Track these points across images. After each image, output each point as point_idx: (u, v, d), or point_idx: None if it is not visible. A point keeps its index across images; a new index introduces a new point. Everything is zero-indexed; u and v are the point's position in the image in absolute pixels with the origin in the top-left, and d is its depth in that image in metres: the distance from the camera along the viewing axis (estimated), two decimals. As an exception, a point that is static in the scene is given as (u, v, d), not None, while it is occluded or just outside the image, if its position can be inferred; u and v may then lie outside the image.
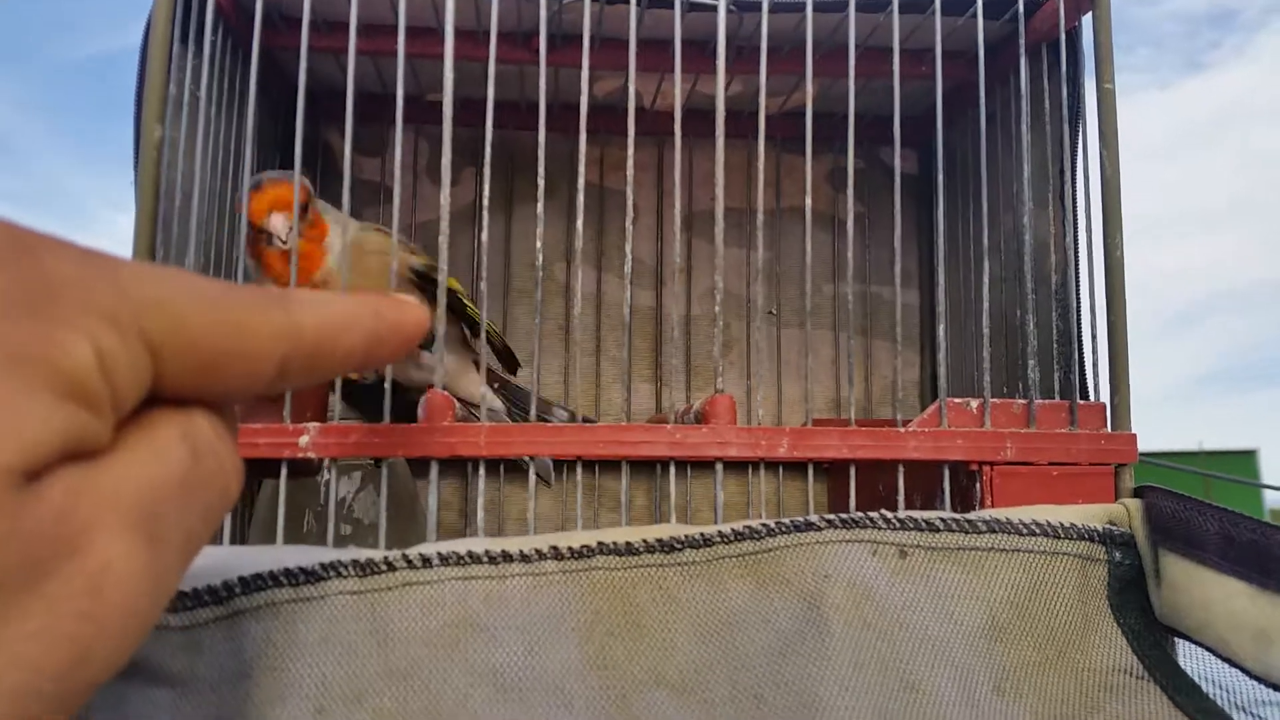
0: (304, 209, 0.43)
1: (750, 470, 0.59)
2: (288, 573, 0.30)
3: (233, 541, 0.46)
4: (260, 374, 0.21)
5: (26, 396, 0.15)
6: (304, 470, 0.36)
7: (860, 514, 0.33)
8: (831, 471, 0.57)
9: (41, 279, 0.16)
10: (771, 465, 0.59)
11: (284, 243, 0.42)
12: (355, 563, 0.30)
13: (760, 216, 0.38)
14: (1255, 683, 0.30)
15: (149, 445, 0.18)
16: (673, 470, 0.37)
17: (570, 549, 0.31)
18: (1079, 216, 0.39)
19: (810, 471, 0.37)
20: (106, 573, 0.16)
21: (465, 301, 0.48)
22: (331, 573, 0.30)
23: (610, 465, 0.59)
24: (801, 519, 0.33)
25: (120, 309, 0.17)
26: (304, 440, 0.34)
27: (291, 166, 0.39)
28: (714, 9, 0.39)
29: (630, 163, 0.37)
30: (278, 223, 0.42)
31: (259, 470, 0.35)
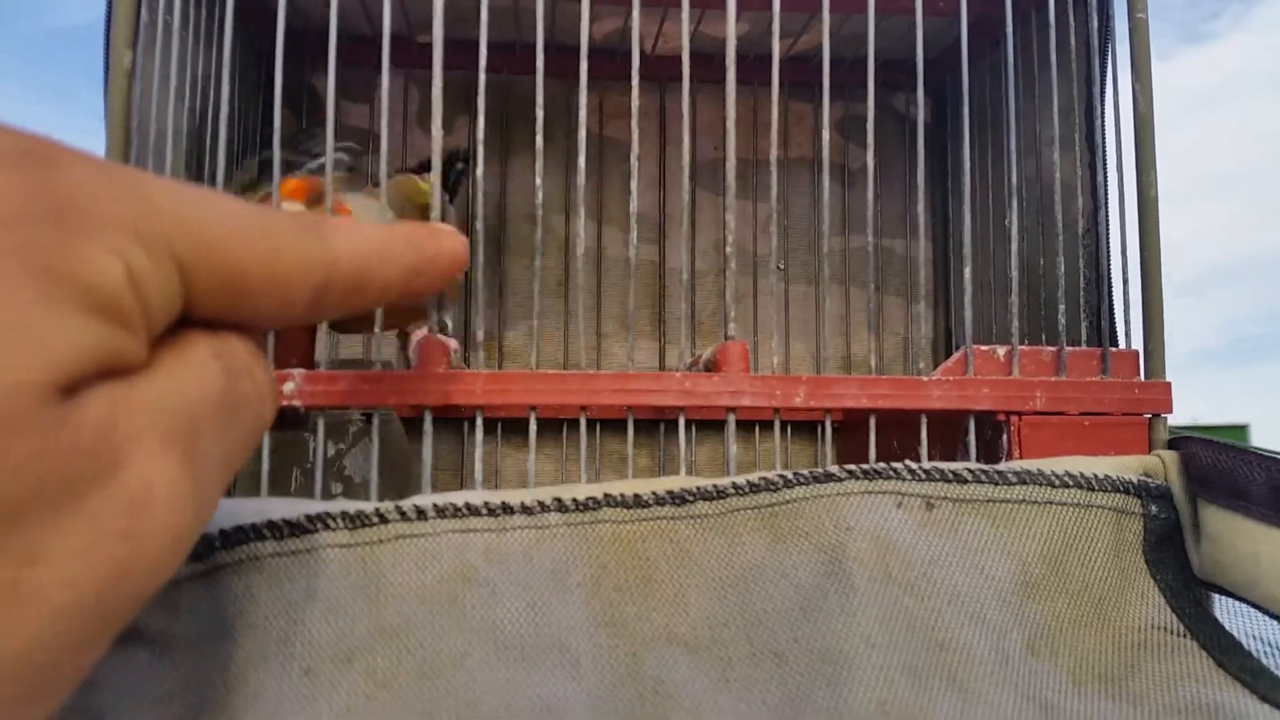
0: (316, 200, 0.40)
1: (758, 430, 0.57)
2: (272, 525, 0.27)
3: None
4: (294, 302, 0.20)
5: (55, 310, 0.15)
6: (290, 421, 0.34)
7: (883, 464, 0.31)
8: (842, 430, 0.55)
9: (65, 192, 0.16)
10: (780, 425, 0.57)
11: None
12: (345, 514, 0.28)
13: (774, 166, 0.36)
14: (1307, 640, 0.28)
15: (185, 364, 0.18)
16: (683, 424, 0.34)
17: (575, 501, 0.29)
18: (1109, 154, 0.37)
19: (828, 428, 0.35)
20: (147, 490, 0.16)
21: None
22: (319, 525, 0.28)
23: (612, 425, 0.57)
24: (821, 470, 0.31)
25: (149, 226, 0.17)
26: (289, 387, 0.32)
27: (272, 110, 0.36)
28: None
29: (635, 108, 0.35)
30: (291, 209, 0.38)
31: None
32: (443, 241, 0.26)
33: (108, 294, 0.16)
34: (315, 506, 0.28)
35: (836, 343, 0.60)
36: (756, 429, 0.57)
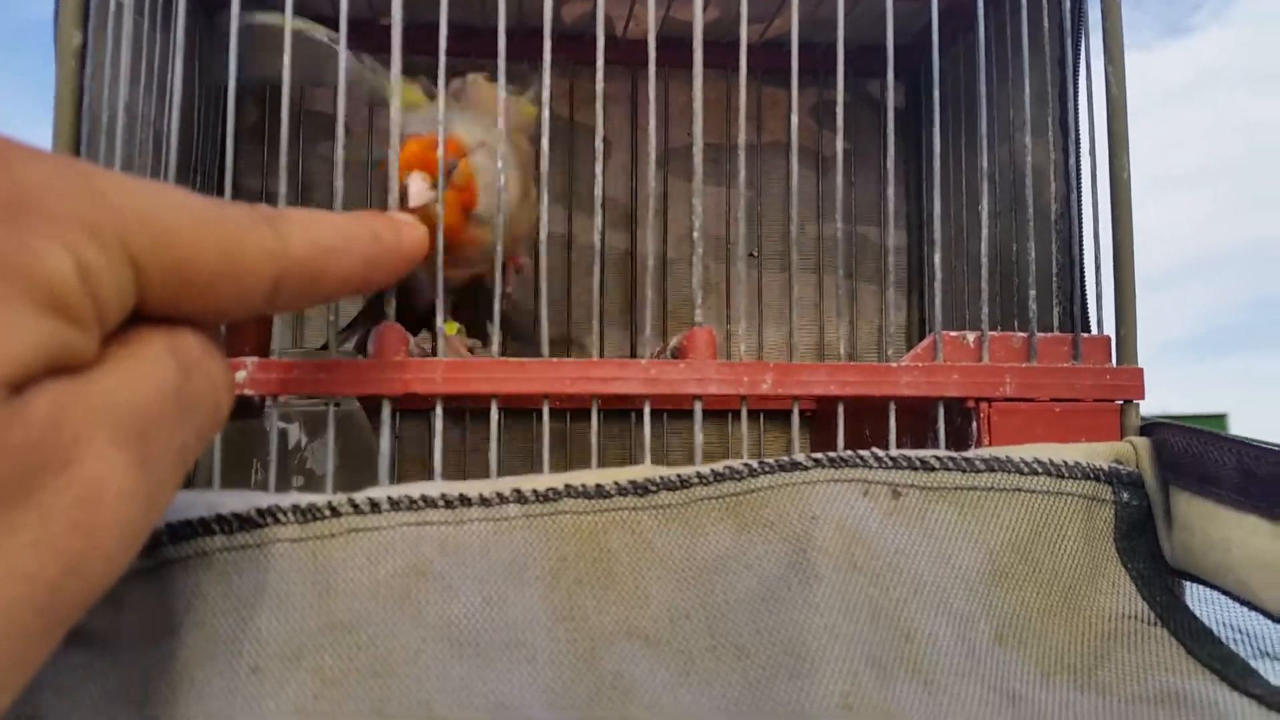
0: (450, 171, 0.38)
1: (730, 419, 0.56)
2: (220, 519, 0.27)
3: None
4: (250, 294, 0.20)
5: (5, 307, 0.15)
6: (244, 411, 0.33)
7: (850, 452, 0.30)
8: (815, 419, 0.55)
9: (16, 187, 0.16)
10: (752, 414, 0.56)
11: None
12: (296, 508, 0.27)
13: (742, 150, 0.36)
14: (1277, 626, 0.28)
15: (137, 360, 0.18)
16: (648, 412, 0.34)
17: (535, 492, 0.29)
18: (1082, 138, 0.37)
19: (795, 416, 0.34)
20: (99, 485, 0.16)
21: None
22: (269, 519, 0.27)
23: (583, 415, 0.56)
24: (787, 458, 0.30)
25: (101, 220, 0.17)
26: (242, 375, 0.31)
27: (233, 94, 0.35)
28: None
29: (599, 89, 0.34)
30: (415, 186, 0.36)
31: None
32: (402, 232, 0.26)
33: (59, 290, 0.16)
34: (266, 500, 0.27)
35: (810, 330, 0.59)
36: (729, 418, 0.57)
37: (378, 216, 0.25)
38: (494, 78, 0.36)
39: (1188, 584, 0.31)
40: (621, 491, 0.29)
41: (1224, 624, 0.29)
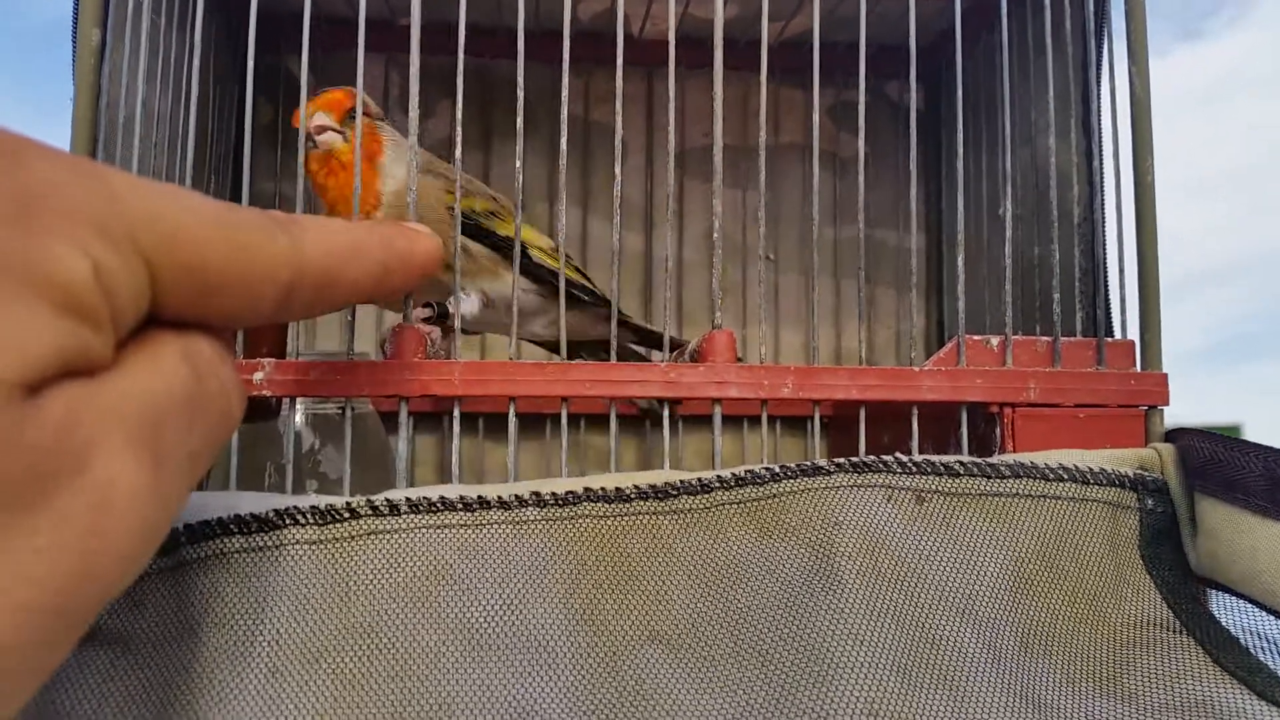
0: (350, 115, 0.41)
1: (746, 426, 0.56)
2: (239, 520, 0.27)
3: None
4: (262, 299, 0.20)
5: (20, 308, 0.15)
6: (260, 412, 0.33)
7: (872, 457, 0.30)
8: (832, 426, 0.54)
9: (30, 187, 0.15)
10: (769, 420, 0.56)
11: (313, 145, 0.40)
12: (314, 509, 0.27)
13: (762, 151, 0.35)
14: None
15: (150, 364, 0.18)
16: (667, 414, 0.33)
17: (554, 495, 0.29)
18: (1104, 139, 0.36)
19: (816, 423, 0.34)
20: (112, 488, 0.16)
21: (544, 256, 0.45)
22: (288, 520, 0.27)
23: (598, 420, 0.56)
24: (809, 463, 0.30)
25: (115, 222, 0.17)
26: (258, 377, 0.31)
27: (245, 97, 0.35)
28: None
29: (619, 87, 0.34)
30: (319, 120, 0.39)
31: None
32: (416, 241, 0.25)
33: (75, 292, 0.15)
34: (284, 501, 0.27)
35: (827, 335, 0.59)
36: (745, 424, 0.56)
37: (392, 225, 0.25)
38: None
39: (1213, 592, 0.31)
40: (641, 495, 0.29)
41: (1250, 632, 0.29)
